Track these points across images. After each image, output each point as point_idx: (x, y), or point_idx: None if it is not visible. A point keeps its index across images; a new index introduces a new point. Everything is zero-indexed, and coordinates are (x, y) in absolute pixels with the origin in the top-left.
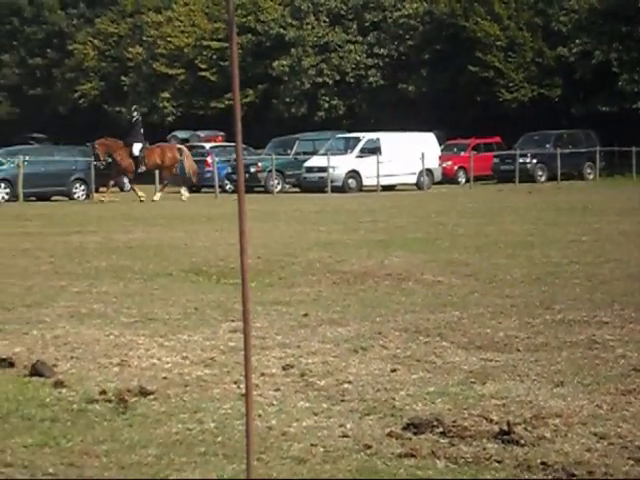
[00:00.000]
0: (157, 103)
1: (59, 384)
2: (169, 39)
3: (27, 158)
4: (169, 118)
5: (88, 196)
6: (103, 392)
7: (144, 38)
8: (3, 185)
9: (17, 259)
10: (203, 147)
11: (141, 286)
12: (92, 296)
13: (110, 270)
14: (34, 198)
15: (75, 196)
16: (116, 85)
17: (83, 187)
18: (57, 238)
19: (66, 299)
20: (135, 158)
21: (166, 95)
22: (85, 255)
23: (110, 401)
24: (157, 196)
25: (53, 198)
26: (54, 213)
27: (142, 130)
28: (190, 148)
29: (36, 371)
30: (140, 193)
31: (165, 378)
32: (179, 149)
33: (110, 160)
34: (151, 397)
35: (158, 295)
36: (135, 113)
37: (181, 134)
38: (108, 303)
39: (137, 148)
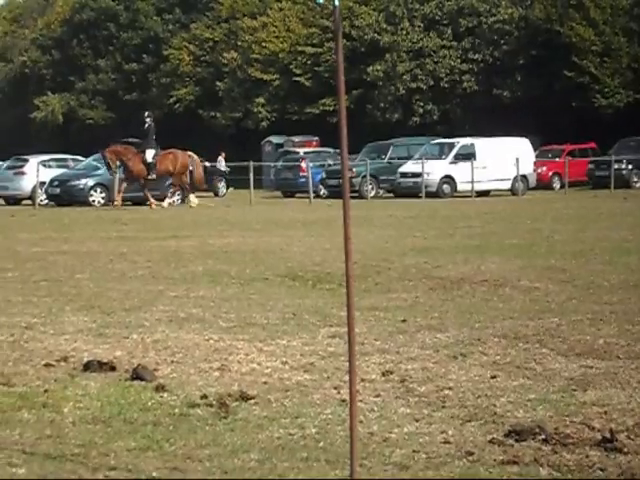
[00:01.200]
0: (252, 108)
1: (160, 388)
2: (264, 44)
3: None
4: (263, 123)
5: (183, 201)
6: (204, 396)
7: (239, 43)
8: (99, 190)
9: (114, 263)
10: (297, 152)
11: (238, 291)
12: (190, 300)
13: (207, 275)
14: (129, 202)
15: (171, 200)
16: (211, 90)
17: (178, 192)
18: (153, 242)
19: (164, 303)
20: (147, 164)
21: (261, 100)
22: (181, 260)
23: (211, 405)
24: (166, 203)
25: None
26: (149, 218)
27: (155, 136)
28: (284, 153)
29: (137, 375)
30: (152, 200)
31: (265, 383)
32: (190, 156)
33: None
34: (252, 402)
35: (255, 300)
36: (148, 119)
37: (275, 139)
38: (206, 307)
39: (150, 154)
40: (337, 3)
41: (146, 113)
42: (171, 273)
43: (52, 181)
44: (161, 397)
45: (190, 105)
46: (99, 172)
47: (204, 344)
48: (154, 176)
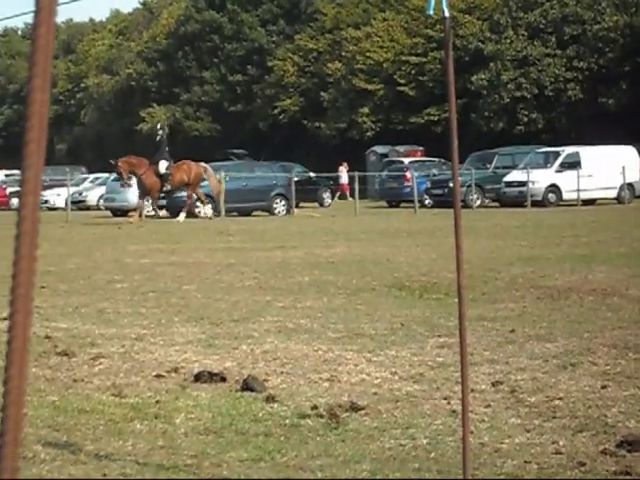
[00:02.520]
0: (356, 118)
1: (271, 399)
2: (368, 54)
3: (228, 174)
4: (368, 133)
5: (288, 211)
6: (314, 407)
7: (343, 54)
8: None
9: (222, 274)
10: (402, 162)
11: (345, 301)
12: (297, 311)
13: (313, 285)
14: (235, 213)
15: (275, 211)
16: (315, 101)
17: (283, 202)
18: (260, 253)
19: (272, 314)
20: (161, 176)
21: (365, 110)
22: (288, 270)
23: (322, 416)
24: (181, 217)
25: (254, 213)
26: (255, 228)
27: (167, 148)
28: (389, 163)
29: (248, 386)
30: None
31: (375, 394)
32: (204, 168)
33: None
34: (362, 412)
35: (363, 310)
36: (160, 131)
37: (380, 149)
38: (314, 318)
39: (163, 166)
40: (447, 14)
41: (158, 125)
42: (278, 284)
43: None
44: (271, 408)
45: (295, 116)
46: (205, 183)
47: (313, 355)
48: (169, 187)
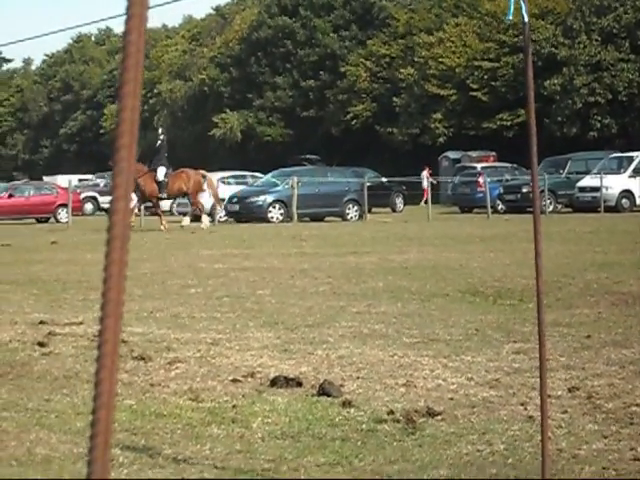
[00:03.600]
0: (428, 124)
1: (347, 404)
2: (440, 60)
3: (301, 179)
4: (440, 139)
5: (361, 217)
6: (391, 412)
7: (415, 59)
8: (278, 206)
9: (295, 279)
10: (474, 167)
11: (419, 307)
12: (372, 316)
13: (387, 290)
14: (307, 219)
15: (348, 217)
16: (388, 106)
17: (356, 208)
18: (333, 259)
19: (346, 319)
20: (159, 183)
21: (438, 116)
22: (362, 275)
23: (398, 421)
24: (186, 221)
25: (326, 219)
26: (328, 234)
27: (167, 154)
28: (461, 169)
29: (324, 391)
30: (164, 222)
31: (451, 399)
32: (203, 176)
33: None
34: (439, 418)
35: (437, 316)
36: (162, 136)
37: (452, 155)
38: (388, 323)
39: (161, 173)
40: (527, 19)
41: (159, 130)
42: (352, 289)
43: (231, 198)
44: (348, 413)
45: (367, 121)
46: (278, 188)
47: (389, 360)
48: (165, 195)
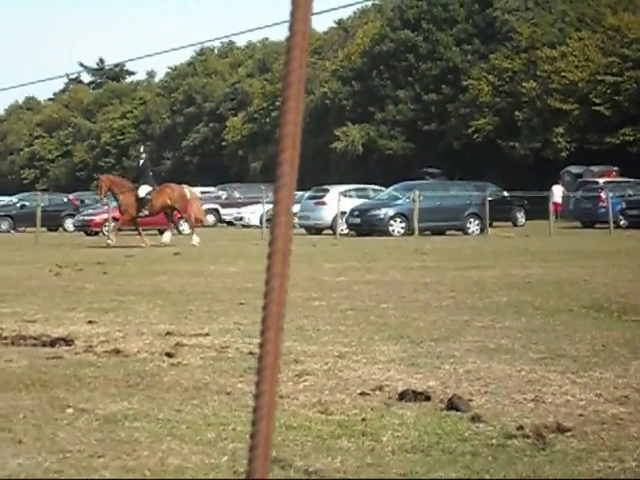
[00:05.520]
0: (550, 138)
1: (476, 418)
2: (563, 74)
3: (423, 193)
4: (563, 153)
5: (482, 231)
6: (520, 427)
7: (538, 73)
8: (399, 219)
9: (418, 293)
10: (597, 182)
11: (543, 322)
12: (496, 331)
13: (511, 305)
14: (428, 232)
15: (469, 231)
16: (509, 120)
17: (477, 222)
18: (455, 273)
19: (472, 334)
20: (140, 200)
21: (560, 130)
22: (485, 290)
23: (528, 437)
24: (166, 237)
25: (447, 232)
26: (449, 247)
27: (151, 172)
28: (584, 183)
29: (453, 405)
30: (145, 240)
31: (581, 415)
32: (187, 190)
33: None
34: (568, 434)
35: (562, 331)
36: (143, 155)
37: (574, 169)
38: (514, 338)
39: (144, 190)
40: None
41: (142, 148)
42: (475, 303)
43: (353, 211)
44: (477, 427)
45: (489, 135)
46: (399, 202)
47: (516, 375)
48: (147, 212)
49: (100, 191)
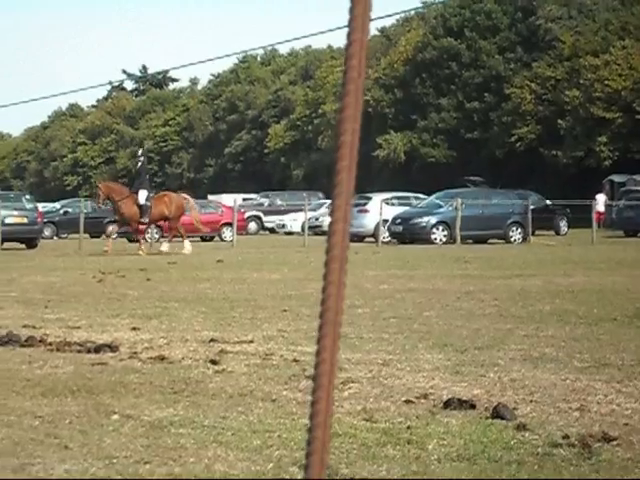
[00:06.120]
0: (593, 147)
1: (521, 427)
2: (606, 82)
3: (465, 201)
4: (605, 162)
5: (524, 239)
6: (566, 436)
7: (581, 81)
8: (441, 227)
9: (461, 301)
10: (639, 191)
11: (587, 331)
12: (540, 340)
13: (554, 314)
14: (471, 240)
15: (511, 239)
16: (552, 129)
17: (520, 230)
18: (498, 281)
19: (515, 342)
20: (140, 207)
21: (603, 139)
22: (528, 298)
23: (574, 446)
24: (165, 247)
25: (489, 241)
26: (492, 256)
27: (148, 177)
28: (627, 192)
29: (497, 414)
30: (143, 248)
31: (626, 424)
32: (185, 199)
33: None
34: (614, 443)
35: (606, 340)
36: (141, 158)
37: (617, 178)
38: (558, 347)
39: (143, 196)
40: None
41: (139, 152)
42: (518, 312)
43: (395, 219)
44: (522, 436)
45: (531, 144)
46: (441, 210)
47: (561, 384)
48: (147, 220)
49: (98, 199)
